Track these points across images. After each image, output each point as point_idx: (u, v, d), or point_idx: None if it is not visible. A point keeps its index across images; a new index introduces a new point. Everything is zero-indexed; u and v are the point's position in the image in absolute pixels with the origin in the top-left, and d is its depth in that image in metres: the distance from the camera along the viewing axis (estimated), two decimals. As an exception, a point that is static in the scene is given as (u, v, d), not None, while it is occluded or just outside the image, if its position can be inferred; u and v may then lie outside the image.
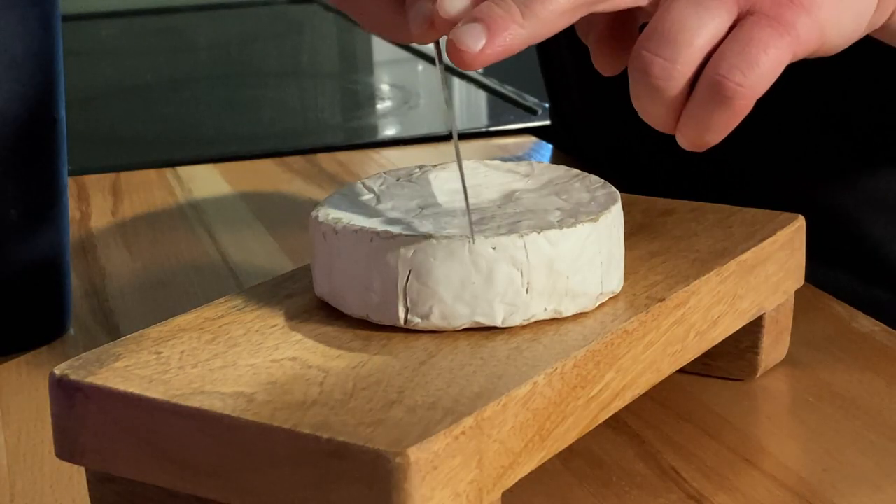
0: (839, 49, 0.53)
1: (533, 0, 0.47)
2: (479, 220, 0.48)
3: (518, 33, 0.47)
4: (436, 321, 0.46)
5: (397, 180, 0.52)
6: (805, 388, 0.57)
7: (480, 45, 0.46)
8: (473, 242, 0.45)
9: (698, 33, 0.48)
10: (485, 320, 0.46)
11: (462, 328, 0.46)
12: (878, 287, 0.75)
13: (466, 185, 0.51)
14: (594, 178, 0.52)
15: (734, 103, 0.47)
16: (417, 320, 0.46)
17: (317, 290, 0.49)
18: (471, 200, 0.49)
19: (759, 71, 0.48)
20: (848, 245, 0.73)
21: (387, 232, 0.46)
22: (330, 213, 0.48)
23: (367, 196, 0.51)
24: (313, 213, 0.49)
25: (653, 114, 0.49)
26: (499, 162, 0.54)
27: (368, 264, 0.46)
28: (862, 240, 0.74)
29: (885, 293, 0.74)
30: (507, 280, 0.45)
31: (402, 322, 0.46)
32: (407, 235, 0.46)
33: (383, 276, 0.46)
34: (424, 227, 0.47)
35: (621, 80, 0.55)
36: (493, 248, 0.45)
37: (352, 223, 0.47)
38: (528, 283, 0.46)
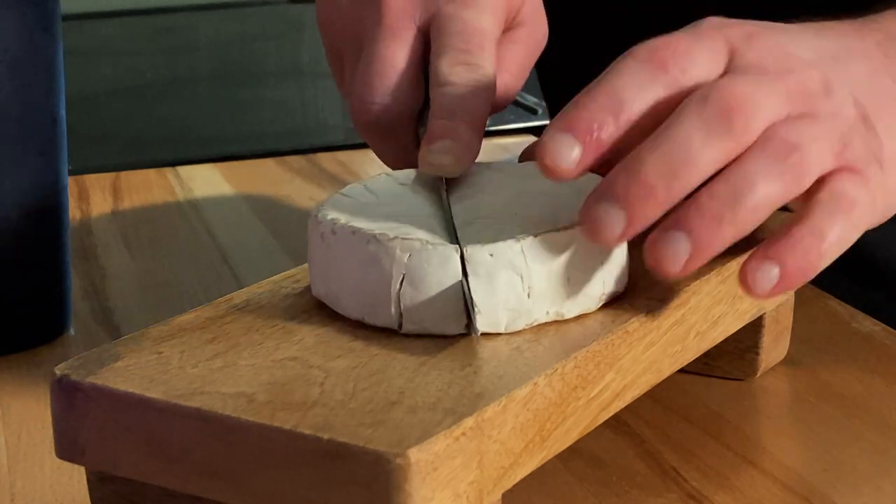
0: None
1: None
2: (478, 228, 0.47)
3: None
4: (430, 328, 0.45)
5: (399, 183, 0.52)
6: (805, 388, 0.57)
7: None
8: (461, 249, 0.45)
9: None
10: (489, 328, 0.46)
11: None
12: (876, 290, 0.74)
13: (468, 191, 0.51)
14: (593, 177, 0.52)
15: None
16: (411, 327, 0.45)
17: (314, 291, 0.49)
18: (472, 207, 0.49)
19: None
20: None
21: (384, 235, 0.46)
22: (329, 214, 0.48)
23: (369, 198, 0.50)
24: (313, 213, 0.49)
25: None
26: (501, 163, 0.54)
27: (364, 267, 0.46)
28: (859, 243, 0.74)
29: (882, 297, 0.74)
30: (509, 285, 0.45)
31: (396, 327, 0.46)
32: (404, 239, 0.45)
33: (377, 280, 0.46)
34: (423, 232, 0.47)
35: None
36: (491, 255, 0.45)
37: (350, 224, 0.47)
38: (529, 288, 0.45)
